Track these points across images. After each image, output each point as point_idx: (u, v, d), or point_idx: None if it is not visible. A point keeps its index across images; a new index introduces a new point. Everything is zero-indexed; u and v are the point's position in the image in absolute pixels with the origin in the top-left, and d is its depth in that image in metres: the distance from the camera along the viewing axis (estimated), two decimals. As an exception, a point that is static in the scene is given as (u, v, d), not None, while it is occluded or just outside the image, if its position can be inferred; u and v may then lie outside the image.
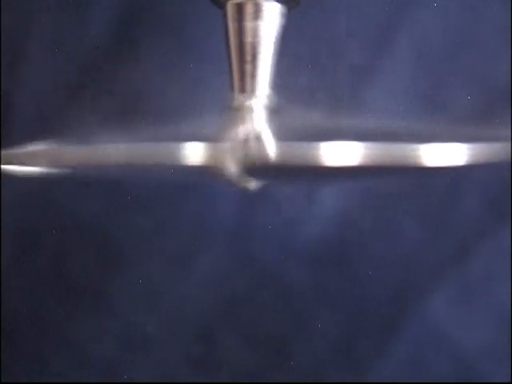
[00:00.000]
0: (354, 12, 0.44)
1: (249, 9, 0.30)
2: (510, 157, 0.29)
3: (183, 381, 0.46)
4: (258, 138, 0.29)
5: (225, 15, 0.31)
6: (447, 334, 0.45)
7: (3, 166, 0.30)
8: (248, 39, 0.30)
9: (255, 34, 0.30)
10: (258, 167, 0.29)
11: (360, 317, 0.46)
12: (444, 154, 0.27)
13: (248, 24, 0.30)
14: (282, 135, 0.29)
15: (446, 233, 0.45)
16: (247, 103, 0.30)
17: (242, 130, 0.29)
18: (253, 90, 0.30)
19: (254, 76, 0.30)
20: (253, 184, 0.30)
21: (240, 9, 0.30)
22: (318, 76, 0.44)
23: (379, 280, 0.45)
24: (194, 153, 0.28)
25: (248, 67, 0.30)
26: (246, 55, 0.30)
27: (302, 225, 0.46)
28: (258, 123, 0.29)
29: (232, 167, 0.29)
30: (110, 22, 0.45)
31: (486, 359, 0.45)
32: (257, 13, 0.30)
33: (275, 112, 0.30)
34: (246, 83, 0.30)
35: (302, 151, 0.27)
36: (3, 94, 0.45)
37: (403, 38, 0.44)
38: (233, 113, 0.30)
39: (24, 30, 0.45)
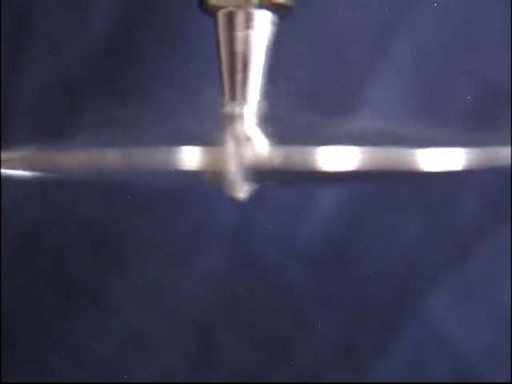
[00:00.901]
0: (353, 12, 0.44)
1: (240, 18, 0.30)
2: (509, 162, 0.28)
3: (183, 381, 0.46)
4: (250, 143, 0.28)
5: (216, 24, 0.30)
6: (447, 334, 0.45)
7: (3, 169, 0.30)
8: (239, 48, 0.30)
9: (246, 43, 0.30)
10: (252, 172, 0.29)
11: (360, 317, 0.45)
12: (443, 159, 0.27)
13: (239, 33, 0.30)
14: (277, 139, 0.29)
15: (446, 233, 0.45)
16: (238, 110, 0.29)
17: (232, 136, 0.29)
18: (243, 98, 0.30)
19: (245, 85, 0.30)
20: (241, 194, 0.30)
21: (231, 18, 0.30)
22: (315, 77, 0.44)
23: (379, 280, 0.45)
24: (188, 157, 0.27)
25: (239, 76, 0.30)
26: (237, 64, 0.30)
27: (302, 225, 0.45)
28: (248, 129, 0.29)
29: (227, 171, 0.28)
30: (109, 22, 0.45)
31: (486, 359, 0.45)
32: (248, 22, 0.30)
33: (270, 115, 0.30)
34: (236, 92, 0.30)
35: (298, 155, 0.27)
36: (3, 95, 0.45)
37: (402, 40, 0.44)
38: (224, 119, 0.30)
39: (24, 30, 0.45)
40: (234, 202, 0.30)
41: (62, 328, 0.47)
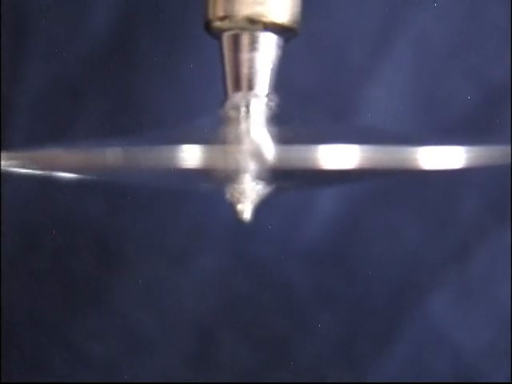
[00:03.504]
0: (353, 13, 0.43)
1: (245, 40, 0.29)
2: (509, 160, 0.28)
3: (183, 381, 0.46)
4: (256, 142, 0.28)
5: (221, 46, 0.30)
6: (447, 334, 0.45)
7: (3, 168, 0.29)
8: (244, 70, 0.29)
9: (251, 65, 0.29)
10: (256, 171, 0.29)
11: (360, 317, 0.46)
12: (442, 157, 0.27)
13: (244, 55, 0.29)
14: (280, 137, 0.29)
15: (447, 233, 0.45)
16: (243, 105, 0.29)
17: (238, 133, 0.29)
18: (248, 103, 0.29)
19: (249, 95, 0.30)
20: (247, 214, 0.30)
21: (236, 40, 0.30)
22: (317, 77, 0.44)
23: (380, 280, 0.45)
24: (190, 156, 0.27)
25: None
26: (242, 86, 0.29)
27: (303, 224, 0.45)
28: (255, 126, 0.29)
29: (230, 170, 0.28)
30: (109, 22, 0.45)
31: (485, 359, 0.45)
32: (253, 44, 0.29)
33: (274, 114, 0.30)
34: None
35: (299, 154, 0.27)
36: (3, 95, 0.45)
37: (403, 40, 0.43)
38: (230, 115, 0.30)
39: (24, 29, 0.45)
40: (240, 221, 0.30)
41: (62, 328, 0.47)
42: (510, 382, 0.44)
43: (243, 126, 0.29)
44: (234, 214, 0.30)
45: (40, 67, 0.45)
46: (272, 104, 0.30)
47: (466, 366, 0.45)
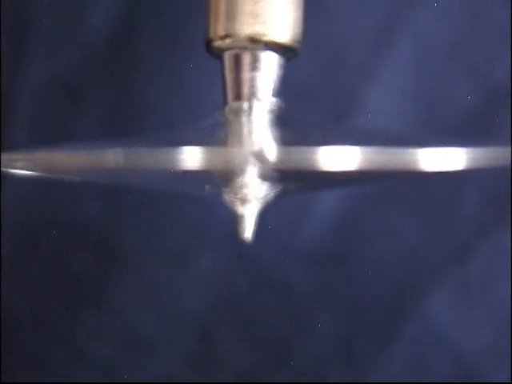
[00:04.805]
0: (354, 12, 0.43)
1: (246, 59, 0.29)
2: (509, 162, 0.28)
3: (183, 381, 0.46)
4: (258, 144, 0.28)
5: (222, 66, 0.30)
6: (447, 334, 0.45)
7: (3, 169, 0.29)
8: (245, 90, 0.30)
9: (252, 85, 0.29)
10: (257, 172, 0.29)
11: (360, 317, 0.46)
12: (443, 159, 0.27)
13: (245, 74, 0.29)
14: (281, 139, 0.29)
15: (447, 233, 0.45)
16: (245, 107, 0.29)
17: (240, 135, 0.29)
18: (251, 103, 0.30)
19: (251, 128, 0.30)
20: (248, 235, 0.30)
21: (237, 59, 0.30)
22: (317, 77, 0.44)
23: (379, 280, 0.45)
24: (191, 158, 0.27)
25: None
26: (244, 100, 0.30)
27: (303, 224, 0.45)
28: (257, 127, 0.29)
29: (231, 172, 0.28)
30: (110, 22, 0.44)
31: (485, 359, 0.45)
32: (254, 63, 0.29)
33: (276, 116, 0.30)
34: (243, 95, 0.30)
35: (300, 156, 0.27)
36: (3, 95, 0.45)
37: (403, 40, 0.43)
38: (232, 117, 0.30)
39: (24, 29, 0.45)
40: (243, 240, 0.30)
41: (62, 328, 0.47)
42: (510, 382, 0.44)
43: (245, 127, 0.29)
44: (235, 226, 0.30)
45: (40, 67, 0.45)
46: (274, 106, 0.30)
47: (466, 366, 0.45)
